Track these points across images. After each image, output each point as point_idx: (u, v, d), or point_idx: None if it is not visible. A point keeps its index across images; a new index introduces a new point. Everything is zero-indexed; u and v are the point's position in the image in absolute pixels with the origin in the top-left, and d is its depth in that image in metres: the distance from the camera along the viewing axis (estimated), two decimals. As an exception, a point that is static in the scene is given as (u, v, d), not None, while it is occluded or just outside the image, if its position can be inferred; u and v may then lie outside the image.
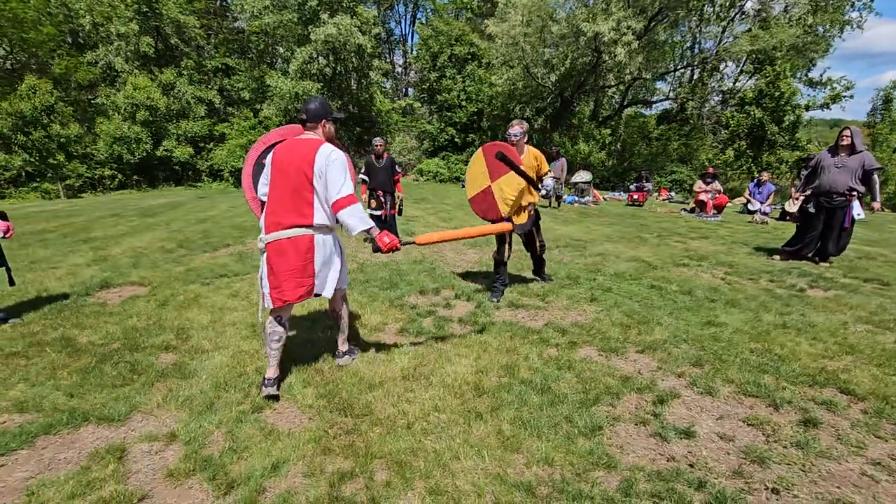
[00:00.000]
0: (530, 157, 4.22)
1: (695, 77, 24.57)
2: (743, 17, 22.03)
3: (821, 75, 22.98)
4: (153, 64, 23.81)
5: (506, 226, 3.50)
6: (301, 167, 2.57)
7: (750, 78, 22.87)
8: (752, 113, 19.13)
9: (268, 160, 2.73)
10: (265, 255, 2.62)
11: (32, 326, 3.66)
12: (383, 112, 27.61)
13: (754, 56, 20.86)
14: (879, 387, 2.73)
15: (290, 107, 23.15)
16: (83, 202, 16.10)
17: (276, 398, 2.62)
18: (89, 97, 23.56)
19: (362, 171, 6.92)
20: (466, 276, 5.24)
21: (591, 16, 19.17)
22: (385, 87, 30.99)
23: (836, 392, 2.72)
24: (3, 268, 3.86)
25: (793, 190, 10.75)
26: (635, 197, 14.25)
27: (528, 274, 5.29)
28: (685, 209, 12.56)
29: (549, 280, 4.93)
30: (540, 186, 4.27)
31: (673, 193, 18.07)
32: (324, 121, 2.74)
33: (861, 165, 5.48)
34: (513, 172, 3.92)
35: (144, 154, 21.77)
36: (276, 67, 26.64)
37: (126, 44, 22.29)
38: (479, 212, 4.30)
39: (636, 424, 2.41)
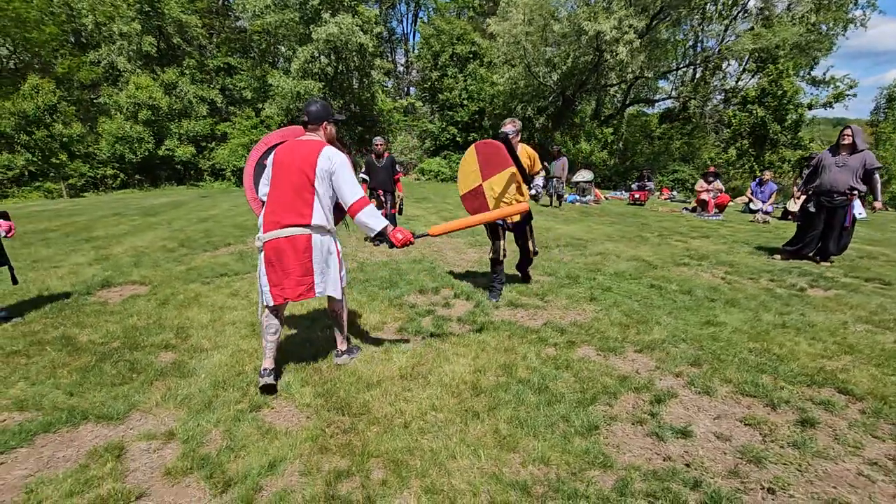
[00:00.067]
0: (524, 155, 4.18)
1: (697, 76, 24.53)
2: (745, 15, 21.99)
3: (824, 74, 22.95)
4: (155, 63, 23.89)
5: (524, 206, 3.45)
6: (302, 168, 2.60)
7: (752, 77, 22.82)
8: (754, 112, 19.10)
9: (269, 160, 2.77)
10: (262, 253, 2.65)
11: (33, 325, 3.68)
12: (385, 111, 27.63)
13: (757, 54, 20.82)
14: (878, 387, 2.72)
15: (291, 106, 23.20)
16: (85, 201, 16.17)
17: (272, 388, 2.65)
18: (92, 97, 23.65)
19: (363, 170, 6.94)
20: (466, 275, 5.24)
21: (592, 14, 19.14)
22: (387, 87, 31.01)
23: (834, 392, 2.71)
24: (6, 266, 3.89)
25: (795, 189, 10.72)
26: (637, 196, 14.24)
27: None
28: (687, 208, 12.54)
29: (529, 280, 4.85)
30: (531, 186, 4.20)
31: (675, 192, 18.05)
32: (325, 122, 2.78)
33: (862, 164, 5.46)
34: (504, 172, 3.88)
35: (146, 153, 21.86)
36: (278, 67, 26.70)
37: (128, 43, 22.37)
38: (471, 210, 4.27)
39: (633, 424, 2.41)
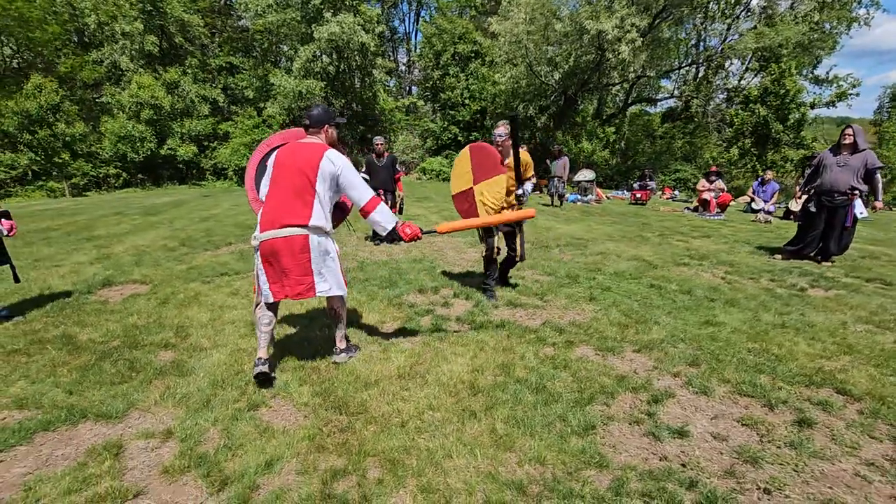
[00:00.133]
0: (522, 160, 4.05)
1: (699, 75, 24.47)
2: (748, 14, 21.92)
3: (827, 73, 22.87)
4: (158, 63, 23.96)
5: (530, 212, 3.53)
6: (304, 170, 2.64)
7: (755, 76, 22.75)
8: (756, 111, 19.03)
9: (270, 162, 2.80)
10: (258, 252, 2.68)
11: (34, 324, 3.70)
12: (387, 110, 27.64)
13: (760, 53, 20.75)
14: (876, 387, 2.72)
15: (293, 105, 23.23)
16: (88, 200, 16.23)
17: (266, 376, 2.67)
18: (94, 96, 23.73)
19: (363, 169, 6.95)
20: (466, 275, 5.24)
21: (594, 13, 19.11)
22: (389, 86, 31.01)
23: (832, 392, 2.71)
24: (8, 265, 3.91)
25: (797, 188, 10.69)
26: (638, 195, 14.21)
27: (527, 272, 5.29)
28: (688, 208, 12.51)
29: (507, 284, 4.76)
30: (519, 186, 4.08)
31: (676, 192, 18.01)
32: (326, 126, 2.84)
33: (863, 164, 5.44)
34: (495, 178, 3.82)
35: (149, 153, 21.92)
36: (280, 66, 26.72)
37: (131, 43, 22.43)
38: (461, 211, 4.24)
39: (630, 424, 2.41)
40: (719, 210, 11.42)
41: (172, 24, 23.88)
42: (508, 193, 4.02)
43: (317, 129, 2.81)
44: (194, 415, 2.44)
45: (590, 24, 18.84)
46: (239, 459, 2.11)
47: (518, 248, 4.34)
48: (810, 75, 22.85)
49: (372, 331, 3.61)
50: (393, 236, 2.88)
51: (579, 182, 14.50)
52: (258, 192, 3.01)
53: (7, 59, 21.97)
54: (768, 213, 10.89)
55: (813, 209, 5.85)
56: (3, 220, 3.68)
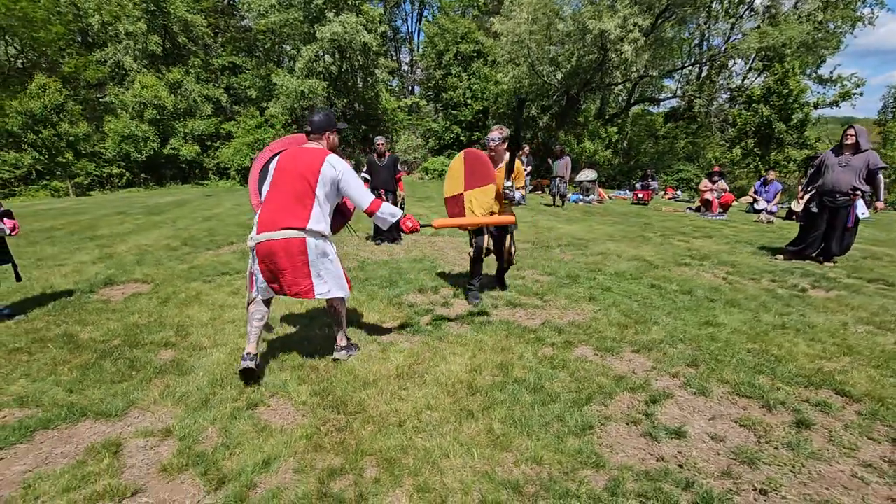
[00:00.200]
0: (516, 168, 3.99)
1: (703, 74, 24.38)
2: (752, 13, 21.81)
3: (831, 72, 22.78)
4: (161, 62, 24.04)
5: (510, 218, 3.62)
6: (304, 174, 2.69)
7: (759, 75, 22.66)
8: (759, 111, 18.96)
9: (271, 165, 2.85)
10: (254, 253, 2.73)
11: (36, 322, 3.72)
12: (389, 110, 27.64)
13: (763, 53, 20.65)
14: (876, 388, 2.71)
15: (296, 105, 23.26)
16: (91, 200, 16.30)
17: (251, 372, 2.68)
18: (98, 96, 23.81)
19: (364, 169, 6.96)
20: (467, 275, 5.24)
21: (597, 13, 19.04)
22: (391, 86, 30.99)
23: (831, 393, 2.70)
24: (10, 264, 3.94)
25: (800, 189, 10.65)
26: (640, 195, 14.18)
27: (527, 272, 5.30)
28: (690, 208, 12.48)
29: (505, 288, 4.75)
30: (507, 187, 3.94)
31: (679, 192, 17.96)
32: (328, 132, 2.88)
33: (865, 164, 5.42)
34: (486, 187, 3.78)
35: (152, 152, 22.00)
36: (283, 66, 26.75)
37: (134, 42, 22.50)
38: (451, 213, 4.22)
39: (627, 424, 2.41)
40: (721, 210, 11.38)
41: (176, 24, 23.93)
42: (498, 199, 3.98)
43: (318, 136, 2.86)
44: (193, 413, 2.45)
45: (592, 24, 18.78)
46: (237, 458, 2.12)
47: (505, 253, 4.39)
48: (814, 75, 22.75)
49: (371, 330, 3.62)
50: (394, 228, 2.97)
51: (581, 182, 14.47)
52: (261, 196, 3.04)
53: (11, 59, 22.07)
54: (771, 213, 10.85)
55: (815, 210, 5.83)
56: (5, 219, 3.70)
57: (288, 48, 26.29)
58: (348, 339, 3.19)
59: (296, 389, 2.71)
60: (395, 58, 34.16)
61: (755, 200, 11.71)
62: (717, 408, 2.57)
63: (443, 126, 27.16)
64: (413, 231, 2.99)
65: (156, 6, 22.73)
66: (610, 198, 15.68)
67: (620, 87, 24.57)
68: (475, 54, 26.43)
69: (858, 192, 5.51)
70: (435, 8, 35.57)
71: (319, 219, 2.73)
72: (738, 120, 20.12)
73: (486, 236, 4.20)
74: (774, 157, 18.85)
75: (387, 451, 2.15)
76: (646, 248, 6.88)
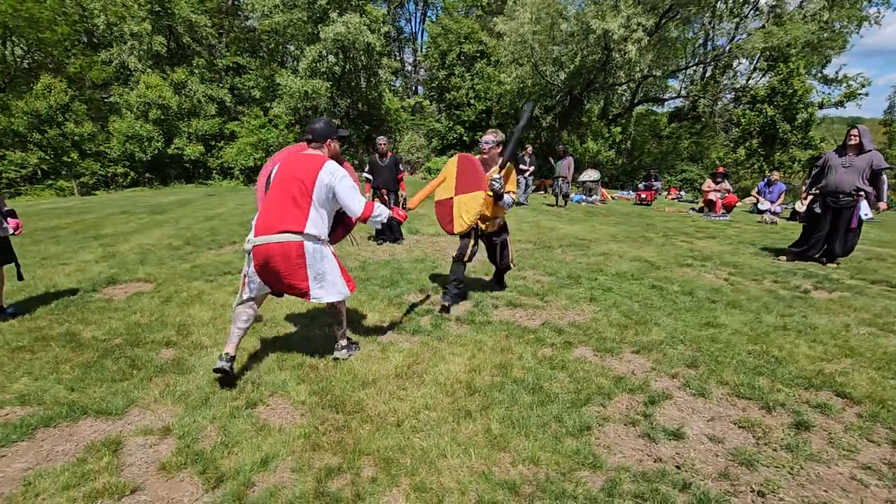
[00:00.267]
0: (507, 172, 4.00)
1: (707, 74, 24.29)
2: (757, 13, 21.69)
3: (836, 72, 22.61)
4: (165, 63, 24.16)
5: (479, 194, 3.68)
6: (303, 179, 2.71)
7: (763, 75, 22.55)
8: (764, 111, 18.87)
9: (273, 170, 2.87)
10: (250, 255, 2.73)
11: (39, 321, 3.75)
12: (392, 110, 27.66)
13: (768, 53, 20.54)
14: (876, 390, 2.69)
15: (299, 105, 23.32)
16: (96, 199, 16.39)
17: (225, 373, 2.66)
18: (103, 96, 23.98)
19: (366, 169, 6.97)
20: (466, 275, 5.24)
21: (600, 13, 19.00)
22: (394, 86, 31.00)
23: (831, 395, 2.69)
24: (13, 263, 3.96)
25: (803, 189, 10.60)
26: (643, 196, 14.13)
27: (528, 273, 5.29)
28: (693, 208, 12.43)
29: (504, 287, 4.74)
30: (496, 185, 3.91)
31: (682, 192, 17.90)
32: (329, 140, 2.90)
33: (869, 165, 5.39)
34: (475, 193, 3.74)
35: (156, 152, 22.12)
36: (287, 66, 26.83)
37: (139, 43, 22.63)
38: (439, 216, 4.19)
39: (626, 425, 2.41)
40: (725, 211, 11.33)
41: (180, 25, 24.05)
42: (487, 203, 3.96)
43: (319, 144, 2.87)
44: (193, 412, 2.46)
45: (596, 24, 18.74)
46: (235, 457, 2.13)
47: (500, 259, 4.39)
48: (819, 75, 22.61)
49: (371, 330, 3.62)
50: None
51: (584, 182, 14.43)
52: None
53: (17, 60, 22.24)
54: (774, 213, 10.80)
55: (818, 210, 5.80)
56: (9, 218, 3.73)
57: (291, 48, 26.37)
58: (349, 339, 3.20)
59: (295, 389, 2.72)
60: (398, 58, 34.21)
61: (759, 201, 11.66)
62: (716, 409, 2.56)
63: (446, 126, 27.18)
64: (405, 218, 3.21)
65: (160, 7, 22.86)
66: (613, 198, 15.64)
67: (624, 87, 24.49)
68: (478, 54, 26.43)
69: (862, 193, 5.48)
70: (438, 8, 35.59)
71: (317, 223, 2.74)
72: (743, 120, 20.03)
73: (470, 240, 4.16)
74: (778, 157, 18.74)
75: (384, 450, 2.16)
76: (648, 248, 6.86)
